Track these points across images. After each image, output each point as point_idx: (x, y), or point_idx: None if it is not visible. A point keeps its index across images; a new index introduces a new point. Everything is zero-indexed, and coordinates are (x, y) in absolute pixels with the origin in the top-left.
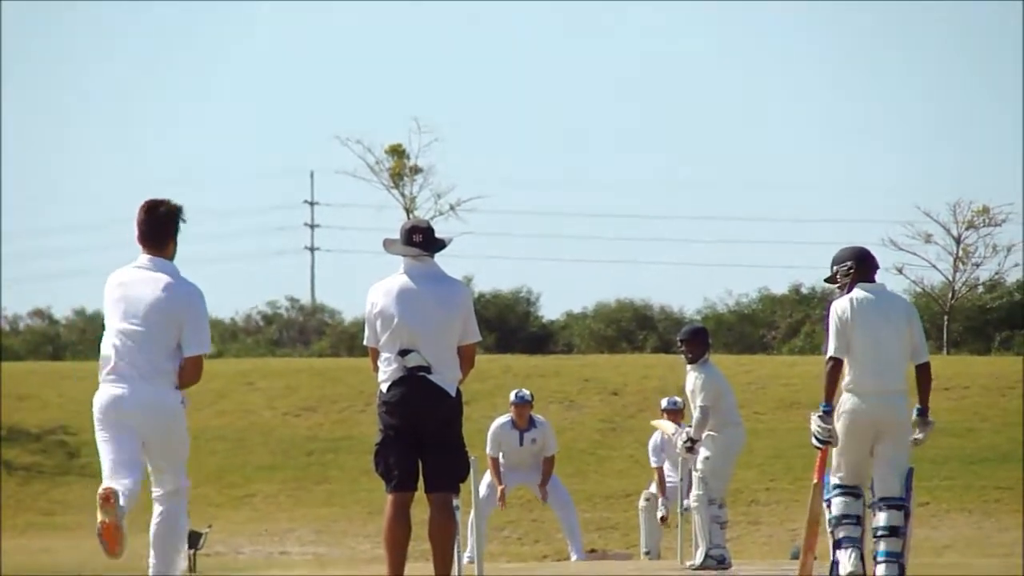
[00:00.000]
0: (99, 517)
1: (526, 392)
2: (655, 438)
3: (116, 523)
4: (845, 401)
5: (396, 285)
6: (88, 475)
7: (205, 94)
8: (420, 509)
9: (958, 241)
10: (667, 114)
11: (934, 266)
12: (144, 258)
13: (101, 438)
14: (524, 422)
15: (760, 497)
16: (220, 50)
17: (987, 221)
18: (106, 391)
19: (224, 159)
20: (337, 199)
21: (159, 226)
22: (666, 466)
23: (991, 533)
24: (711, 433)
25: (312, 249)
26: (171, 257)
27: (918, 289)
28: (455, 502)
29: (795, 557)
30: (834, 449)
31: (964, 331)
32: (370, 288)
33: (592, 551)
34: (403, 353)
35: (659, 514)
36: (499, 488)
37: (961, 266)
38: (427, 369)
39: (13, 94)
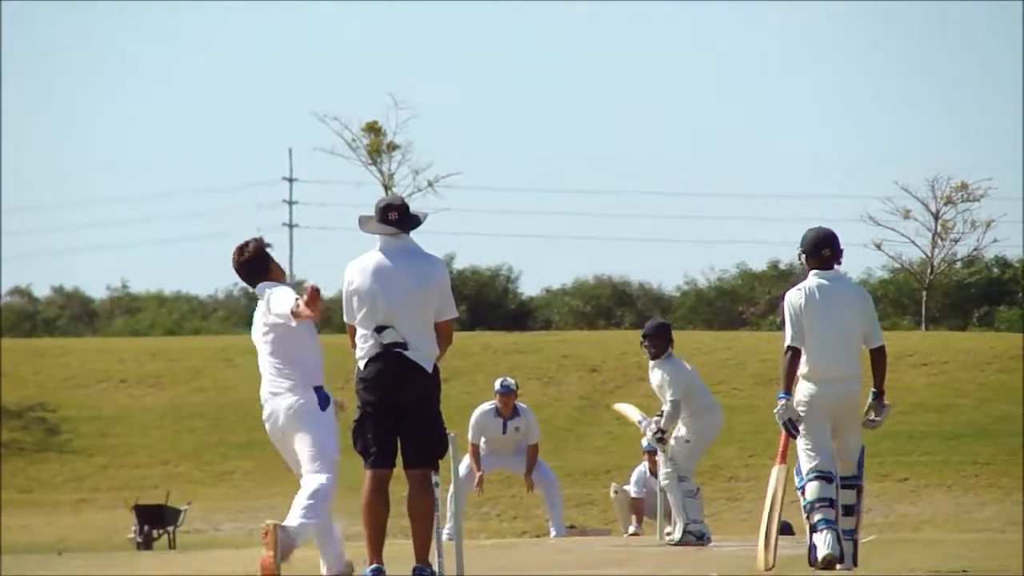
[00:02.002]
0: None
1: (511, 381)
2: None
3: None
4: (801, 389)
5: (372, 262)
6: (67, 452)
7: (183, 72)
8: (400, 486)
9: (936, 217)
10: (647, 91)
11: (913, 242)
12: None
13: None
14: (508, 410)
15: (740, 473)
16: (197, 28)
17: (966, 197)
18: None
19: (202, 136)
20: (315, 176)
21: (251, 266)
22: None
23: (970, 508)
24: (688, 417)
25: (291, 226)
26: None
27: (896, 265)
28: (434, 478)
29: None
30: (800, 437)
31: (942, 307)
32: (347, 266)
33: (571, 527)
34: (379, 330)
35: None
36: (477, 474)
37: (940, 242)
38: (403, 345)
39: None
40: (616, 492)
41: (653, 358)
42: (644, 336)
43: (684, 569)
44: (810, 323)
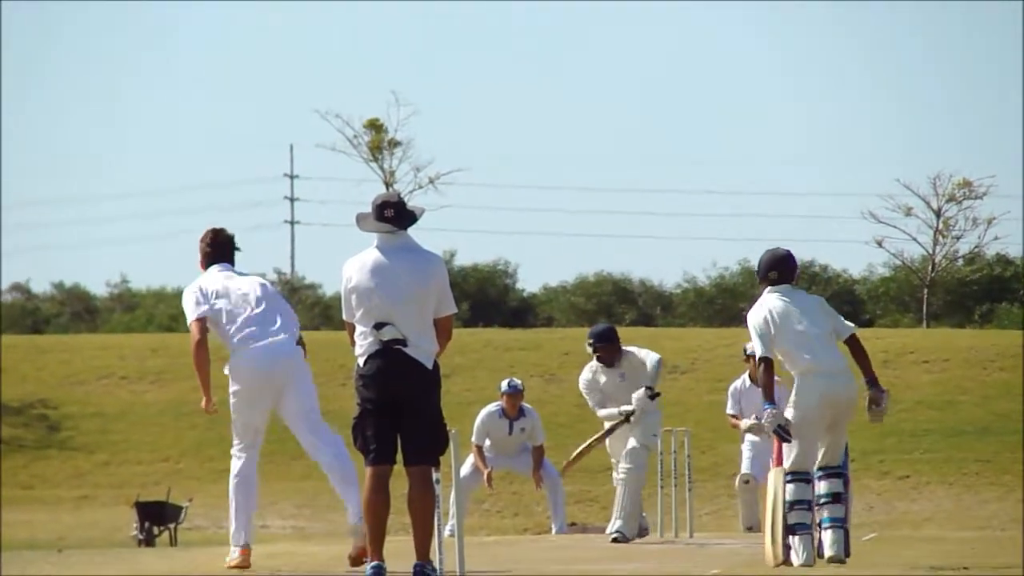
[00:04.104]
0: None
1: (518, 382)
2: (736, 383)
3: None
4: (801, 387)
5: (370, 259)
6: (68, 448)
7: (184, 68)
8: (401, 482)
9: (938, 214)
10: (648, 88)
11: (914, 239)
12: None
13: None
14: (515, 411)
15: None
16: (199, 24)
17: (968, 194)
18: None
19: (203, 132)
20: (317, 173)
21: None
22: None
23: (971, 506)
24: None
25: (292, 223)
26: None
27: (898, 262)
28: (435, 475)
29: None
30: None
31: (944, 304)
32: (345, 263)
33: (572, 524)
34: (378, 327)
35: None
36: (485, 472)
37: (941, 239)
38: (402, 342)
39: None
40: (747, 482)
41: (610, 365)
42: (597, 345)
43: (686, 566)
44: (780, 331)
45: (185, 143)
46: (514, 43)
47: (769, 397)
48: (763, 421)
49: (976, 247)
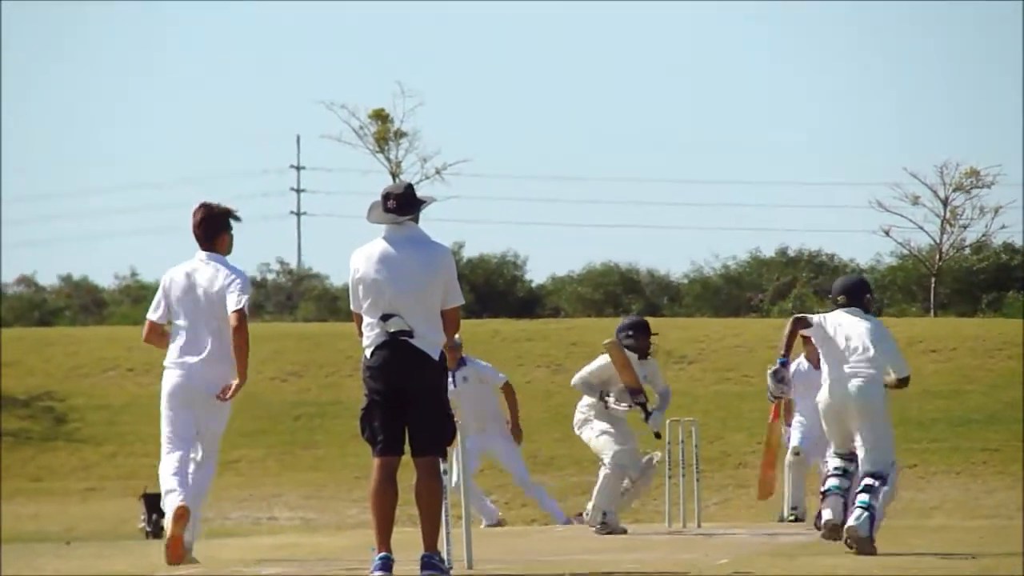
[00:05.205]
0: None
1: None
2: (791, 367)
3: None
4: (825, 387)
5: (377, 250)
6: (76, 440)
7: (191, 59)
8: (409, 473)
9: (945, 203)
10: (653, 77)
11: (921, 228)
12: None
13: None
14: (453, 363)
15: (749, 460)
16: (205, 14)
17: (975, 183)
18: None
19: (210, 124)
20: (323, 164)
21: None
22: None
23: (978, 495)
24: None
25: (298, 214)
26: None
27: (905, 251)
28: (442, 466)
29: (781, 521)
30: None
31: (951, 293)
32: (352, 254)
33: (579, 515)
34: (385, 318)
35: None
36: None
37: (948, 228)
38: (409, 333)
39: None
40: (797, 454)
41: (643, 357)
42: (633, 334)
43: (694, 556)
44: (830, 332)
45: (192, 134)
46: (520, 32)
47: (786, 352)
48: (768, 371)
49: (983, 236)
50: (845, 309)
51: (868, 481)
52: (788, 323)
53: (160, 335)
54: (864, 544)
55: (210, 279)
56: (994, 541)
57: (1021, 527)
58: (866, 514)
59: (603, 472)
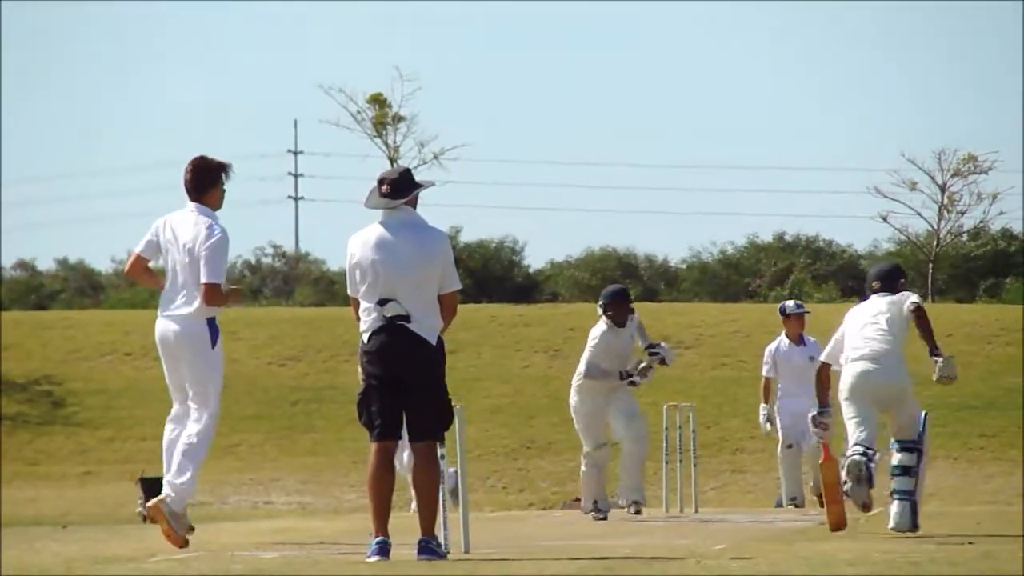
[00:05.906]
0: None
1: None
2: (771, 346)
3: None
4: (842, 373)
5: (373, 235)
6: (73, 424)
7: (188, 43)
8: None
9: (943, 189)
10: (652, 62)
11: (919, 214)
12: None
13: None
14: None
15: (746, 445)
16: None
17: (973, 169)
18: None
19: (207, 108)
20: (321, 148)
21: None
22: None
23: (976, 481)
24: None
25: (296, 198)
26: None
27: (903, 237)
28: (440, 451)
29: (779, 505)
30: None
31: (949, 279)
32: (349, 238)
33: (576, 499)
34: (382, 302)
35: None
36: None
37: (946, 214)
38: (406, 318)
39: None
40: (790, 446)
41: (621, 325)
42: (610, 303)
43: (691, 541)
44: (849, 327)
45: (190, 118)
46: (518, 17)
47: (822, 401)
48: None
49: (981, 222)
50: (878, 295)
51: (905, 459)
52: (815, 374)
53: (144, 270)
54: (910, 530)
55: (193, 236)
56: (992, 526)
57: (1021, 512)
58: (908, 504)
59: (581, 469)
